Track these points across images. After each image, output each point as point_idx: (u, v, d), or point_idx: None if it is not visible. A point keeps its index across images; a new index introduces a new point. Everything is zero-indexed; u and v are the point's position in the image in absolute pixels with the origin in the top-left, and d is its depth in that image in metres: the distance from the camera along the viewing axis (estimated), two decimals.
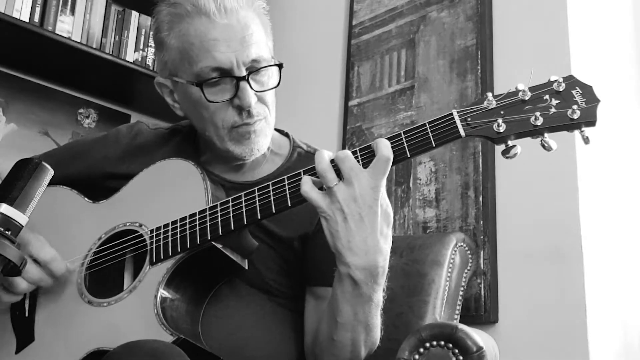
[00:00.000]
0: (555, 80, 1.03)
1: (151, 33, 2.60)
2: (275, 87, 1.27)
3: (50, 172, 1.06)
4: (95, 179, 1.40)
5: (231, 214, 1.14)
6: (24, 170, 1.04)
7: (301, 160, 1.35)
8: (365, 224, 1.04)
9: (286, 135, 1.42)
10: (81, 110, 2.65)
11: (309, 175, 1.08)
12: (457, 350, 1.23)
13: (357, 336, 1.14)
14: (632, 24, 2.10)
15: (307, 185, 1.06)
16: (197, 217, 1.16)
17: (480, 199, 1.92)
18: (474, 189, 1.95)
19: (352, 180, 1.03)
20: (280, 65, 1.27)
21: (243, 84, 1.21)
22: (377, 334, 1.18)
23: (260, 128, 1.25)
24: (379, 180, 1.04)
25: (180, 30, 1.24)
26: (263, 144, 1.28)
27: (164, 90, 1.34)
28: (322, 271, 1.23)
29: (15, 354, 1.22)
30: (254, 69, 1.23)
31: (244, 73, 1.21)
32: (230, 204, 1.15)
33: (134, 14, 2.62)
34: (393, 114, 2.24)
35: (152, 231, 1.20)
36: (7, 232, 0.97)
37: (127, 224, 1.25)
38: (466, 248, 1.76)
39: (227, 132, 1.25)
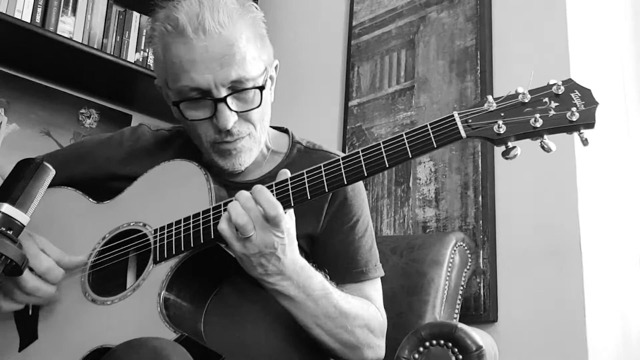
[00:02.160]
0: (555, 84, 1.04)
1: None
2: (256, 108, 1.25)
3: (51, 172, 1.07)
4: (99, 180, 1.40)
5: None
6: (26, 170, 1.04)
7: (301, 156, 1.37)
8: (287, 256, 1.12)
9: (285, 131, 1.43)
10: (82, 111, 2.66)
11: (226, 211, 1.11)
12: (456, 349, 1.23)
13: (326, 328, 1.20)
14: (631, 25, 2.10)
15: (224, 223, 1.10)
16: (201, 216, 1.17)
17: (480, 198, 1.93)
18: (474, 188, 1.95)
19: (262, 228, 1.08)
20: (261, 88, 1.24)
21: (221, 105, 1.20)
22: (349, 314, 1.21)
23: (242, 145, 1.26)
24: (280, 227, 1.09)
25: (165, 47, 1.24)
26: (246, 159, 1.28)
27: (163, 92, 1.35)
28: (337, 271, 1.27)
29: (19, 352, 1.22)
30: (235, 89, 1.22)
31: (223, 94, 1.20)
32: None
33: (135, 15, 2.63)
34: (393, 114, 2.24)
35: (156, 230, 1.21)
36: (8, 232, 0.98)
37: (131, 224, 1.26)
38: (466, 248, 1.76)
39: (210, 146, 1.27)
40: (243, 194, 1.10)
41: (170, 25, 1.21)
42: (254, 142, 1.28)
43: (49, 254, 1.22)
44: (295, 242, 1.15)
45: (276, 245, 1.10)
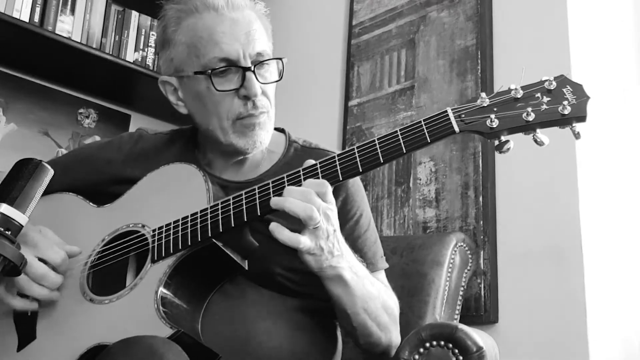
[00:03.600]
0: (547, 80, 1.07)
1: (154, 33, 2.63)
2: (277, 81, 1.33)
3: (50, 172, 1.06)
4: (100, 184, 1.42)
5: (231, 212, 1.16)
6: (24, 170, 1.04)
7: (297, 155, 1.39)
8: (338, 234, 1.14)
9: (282, 131, 1.45)
10: (81, 110, 2.65)
11: (276, 221, 1.11)
12: (457, 350, 1.23)
13: (370, 310, 1.22)
14: (632, 24, 2.10)
15: (286, 232, 1.09)
16: (199, 215, 1.18)
17: (480, 198, 1.92)
18: (474, 189, 1.95)
19: (323, 210, 1.10)
20: (282, 60, 1.33)
21: (249, 74, 1.26)
22: (381, 295, 1.26)
23: (263, 121, 1.30)
24: (332, 199, 1.12)
25: (189, 26, 1.29)
26: (265, 138, 1.32)
27: (167, 89, 1.36)
28: None
29: (17, 352, 1.22)
30: (258, 62, 1.28)
31: (250, 64, 1.26)
32: (231, 201, 1.17)
33: (134, 14, 2.62)
34: (393, 114, 2.24)
35: (154, 230, 1.22)
36: (7, 232, 0.97)
37: (131, 225, 1.27)
38: (466, 248, 1.76)
39: (231, 124, 1.28)
40: (293, 190, 1.10)
41: (199, 3, 1.29)
42: (270, 123, 1.33)
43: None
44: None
45: (334, 221, 1.12)
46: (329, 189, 1.10)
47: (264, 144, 1.32)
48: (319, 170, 1.13)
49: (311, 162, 1.15)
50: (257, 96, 1.26)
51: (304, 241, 1.09)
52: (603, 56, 1.97)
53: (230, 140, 1.29)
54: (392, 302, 1.30)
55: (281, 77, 1.33)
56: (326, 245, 1.11)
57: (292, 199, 1.09)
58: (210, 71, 1.25)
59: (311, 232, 1.09)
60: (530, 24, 1.99)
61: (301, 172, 1.14)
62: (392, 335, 1.28)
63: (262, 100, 1.28)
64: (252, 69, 1.26)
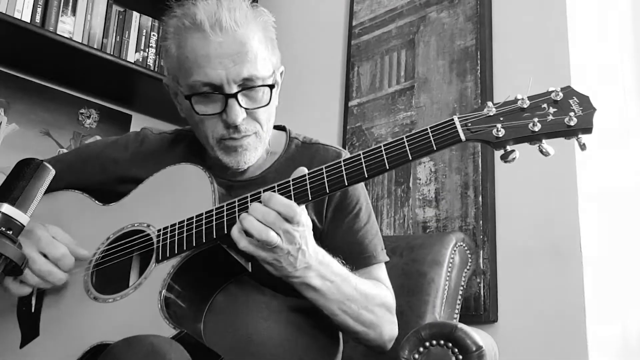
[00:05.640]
0: (554, 91, 1.07)
1: (154, 33, 2.65)
2: (265, 106, 1.29)
3: (51, 172, 1.07)
4: (105, 183, 1.42)
5: (237, 214, 1.16)
6: (26, 170, 1.04)
7: (298, 151, 1.40)
8: (306, 250, 1.14)
9: (283, 128, 1.46)
10: (82, 111, 2.66)
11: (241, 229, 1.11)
12: (456, 350, 1.24)
13: (350, 311, 1.23)
14: (631, 25, 2.10)
15: (244, 241, 1.11)
16: (204, 216, 1.19)
17: (480, 198, 1.93)
18: (474, 188, 1.95)
19: (284, 231, 1.10)
20: (271, 87, 1.29)
21: (231, 101, 1.24)
22: (367, 294, 1.25)
23: (247, 143, 1.29)
24: (300, 222, 1.11)
25: (180, 42, 1.28)
26: (251, 158, 1.31)
27: (170, 91, 1.38)
28: (348, 258, 1.30)
29: (20, 348, 1.23)
30: (246, 86, 1.25)
31: (234, 90, 1.24)
32: (236, 203, 1.18)
33: (135, 15, 2.63)
34: (393, 114, 2.24)
35: (159, 230, 1.22)
36: (8, 232, 0.98)
37: (135, 225, 1.28)
38: (466, 247, 1.76)
39: (216, 142, 1.30)
40: (257, 209, 1.10)
41: (188, 21, 1.26)
42: (259, 142, 1.31)
43: (61, 241, 1.24)
44: (311, 231, 1.17)
45: (300, 240, 1.12)
46: (297, 211, 1.10)
47: (250, 163, 1.32)
48: (325, 175, 1.13)
49: (303, 170, 1.15)
50: (237, 123, 1.25)
51: (257, 251, 1.11)
52: (602, 57, 1.97)
53: (217, 156, 1.31)
54: (384, 296, 1.30)
55: (268, 104, 1.29)
56: (286, 260, 1.12)
57: (251, 219, 1.09)
58: (191, 95, 1.26)
59: (269, 249, 1.11)
60: (529, 24, 2.00)
61: (307, 177, 1.15)
62: (383, 330, 1.28)
63: (246, 124, 1.27)
64: (236, 95, 1.24)
